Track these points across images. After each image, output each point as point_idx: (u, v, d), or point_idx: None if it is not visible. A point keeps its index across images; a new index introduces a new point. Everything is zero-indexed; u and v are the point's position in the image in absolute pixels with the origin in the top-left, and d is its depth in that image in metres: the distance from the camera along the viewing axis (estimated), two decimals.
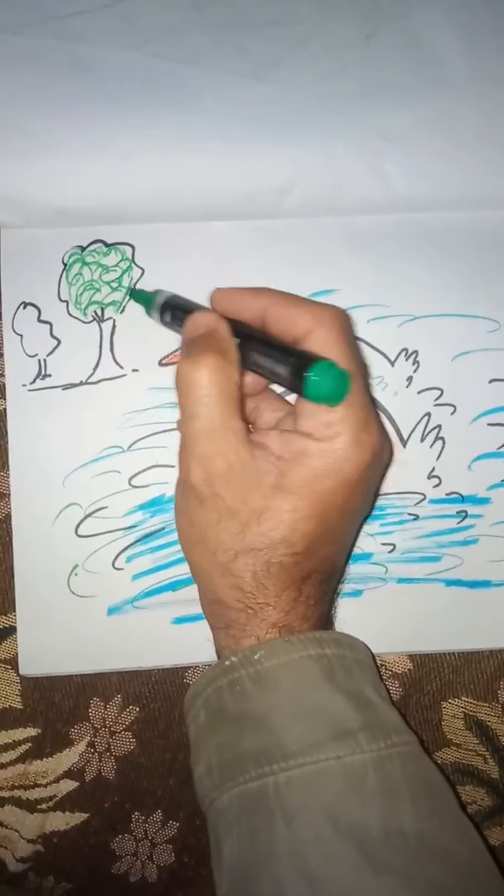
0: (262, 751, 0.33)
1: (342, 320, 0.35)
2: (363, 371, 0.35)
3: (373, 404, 0.36)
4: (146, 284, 0.43)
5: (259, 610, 0.35)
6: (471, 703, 0.43)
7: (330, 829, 0.31)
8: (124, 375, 0.42)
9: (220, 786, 0.34)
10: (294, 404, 0.36)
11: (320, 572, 0.36)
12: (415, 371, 0.43)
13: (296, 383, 0.34)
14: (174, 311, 0.39)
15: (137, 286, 0.43)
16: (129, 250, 0.43)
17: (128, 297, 0.42)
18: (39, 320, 0.43)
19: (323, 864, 0.31)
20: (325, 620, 0.37)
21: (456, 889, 0.31)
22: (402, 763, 0.33)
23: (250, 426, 0.40)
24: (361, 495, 0.36)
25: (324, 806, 0.31)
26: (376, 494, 0.41)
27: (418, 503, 0.42)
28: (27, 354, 0.42)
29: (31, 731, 0.43)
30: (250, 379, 0.38)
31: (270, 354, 0.35)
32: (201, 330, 0.36)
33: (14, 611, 0.42)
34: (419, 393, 0.43)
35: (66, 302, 0.43)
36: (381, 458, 0.36)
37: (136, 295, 0.42)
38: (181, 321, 0.38)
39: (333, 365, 0.33)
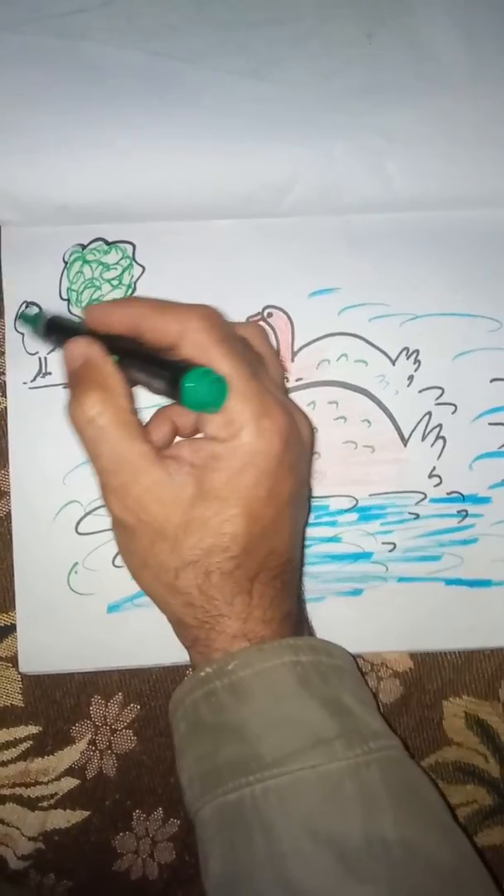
0: (239, 762, 0.32)
1: (210, 318, 0.34)
2: (248, 361, 0.35)
3: (273, 389, 0.35)
4: (147, 282, 0.43)
5: (216, 623, 0.34)
6: (471, 701, 0.43)
7: (308, 839, 0.31)
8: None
9: (200, 797, 0.33)
10: None
11: (268, 569, 0.35)
12: (416, 370, 0.43)
13: (174, 395, 0.33)
14: (57, 332, 0.38)
15: (138, 284, 0.43)
16: (129, 248, 0.43)
17: (132, 285, 0.42)
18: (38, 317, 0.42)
19: (303, 876, 0.30)
20: (294, 621, 0.36)
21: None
22: (381, 769, 0.32)
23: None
24: (286, 481, 0.35)
25: (301, 816, 0.31)
26: (309, 476, 0.40)
27: (419, 502, 0.42)
28: (28, 352, 0.43)
29: (33, 729, 0.43)
30: None
31: (145, 369, 0.34)
32: (78, 362, 0.35)
33: (14, 609, 0.42)
34: (420, 392, 0.43)
35: (67, 300, 0.43)
36: (295, 439, 0.35)
37: (24, 317, 0.42)
38: (62, 344, 0.37)
39: (206, 372, 0.33)
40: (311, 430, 0.38)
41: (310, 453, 0.39)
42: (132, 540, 0.35)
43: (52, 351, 0.42)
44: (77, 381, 0.35)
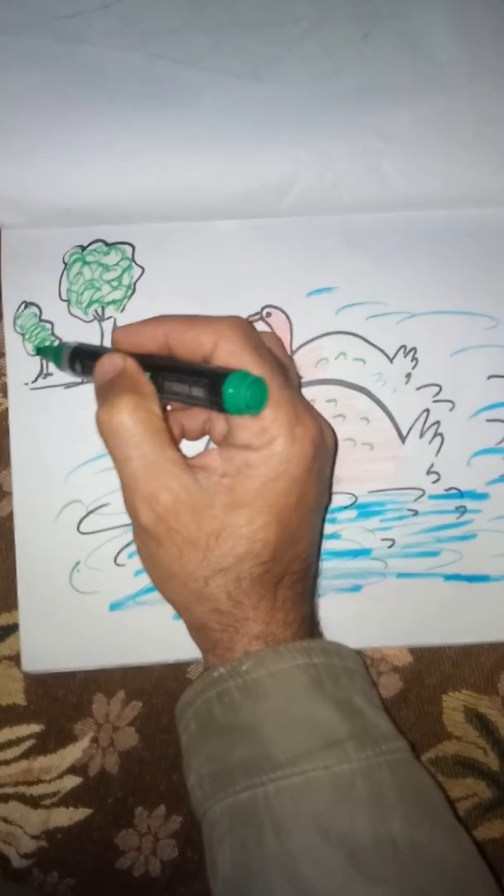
0: (252, 762, 0.33)
1: (243, 328, 0.35)
2: (280, 369, 0.35)
3: (300, 397, 0.36)
4: (147, 283, 0.43)
5: (240, 626, 0.35)
6: (471, 695, 0.44)
7: (320, 839, 0.31)
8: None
9: (211, 797, 0.34)
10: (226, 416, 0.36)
11: (292, 573, 0.36)
12: (413, 368, 0.43)
13: (214, 401, 0.33)
14: (82, 360, 0.38)
15: (137, 285, 0.43)
16: (129, 249, 0.43)
17: (127, 298, 0.43)
18: (41, 319, 0.43)
19: (314, 875, 0.31)
20: (310, 624, 0.37)
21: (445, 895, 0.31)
22: (391, 771, 0.33)
23: (210, 443, 0.40)
24: (314, 489, 0.35)
25: (313, 816, 0.31)
26: (330, 483, 0.40)
27: (417, 499, 0.43)
28: (29, 353, 0.43)
29: (35, 728, 0.43)
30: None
31: (183, 379, 0.34)
32: (111, 373, 0.35)
33: (17, 608, 0.42)
34: (418, 389, 0.43)
35: (67, 301, 0.43)
36: (323, 447, 0.35)
37: (43, 351, 0.42)
38: (90, 369, 0.37)
39: (246, 374, 0.33)
40: (335, 437, 0.39)
41: (333, 460, 0.39)
42: (159, 550, 0.35)
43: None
44: (109, 388, 0.35)
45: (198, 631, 0.36)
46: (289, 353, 0.42)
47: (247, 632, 0.35)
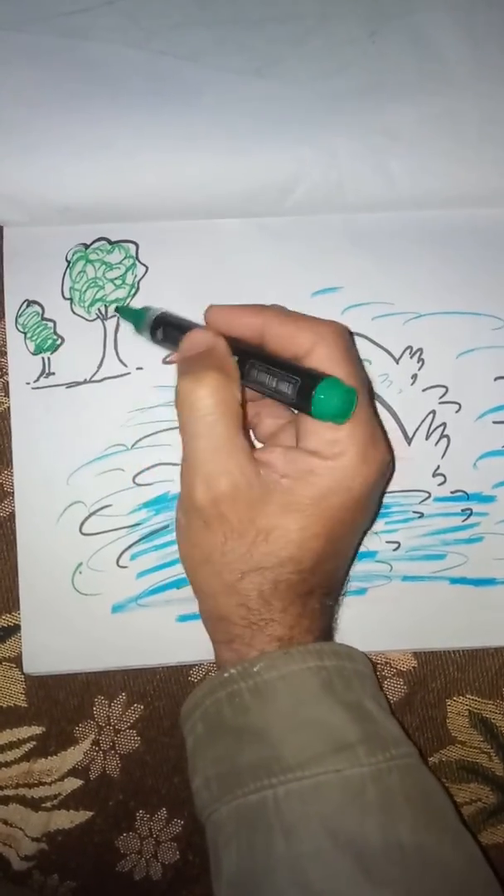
0: (261, 764, 0.33)
1: (344, 336, 0.35)
2: (366, 386, 0.35)
3: (378, 420, 0.36)
4: (150, 282, 0.43)
5: (265, 626, 0.34)
6: (475, 700, 0.43)
7: (329, 842, 0.31)
8: (128, 373, 0.42)
9: (218, 798, 0.33)
10: (296, 417, 0.36)
11: (324, 587, 0.36)
12: (419, 369, 0.43)
13: (302, 402, 0.33)
14: (166, 328, 0.38)
15: (141, 284, 0.43)
16: (132, 248, 0.43)
17: (130, 297, 0.42)
18: (43, 318, 0.42)
19: (322, 878, 0.31)
20: (327, 632, 0.37)
21: None
22: (400, 776, 0.33)
23: (253, 439, 0.40)
24: (368, 511, 0.36)
25: (323, 819, 0.31)
26: (378, 508, 0.41)
27: (423, 501, 0.42)
28: (30, 353, 0.42)
29: (36, 730, 0.43)
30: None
31: (273, 373, 0.34)
32: (200, 347, 0.35)
33: (18, 609, 0.42)
34: (424, 391, 0.43)
35: (70, 300, 0.43)
36: (387, 475, 0.36)
37: (124, 312, 0.42)
38: (173, 339, 0.37)
39: (340, 382, 0.33)
40: (394, 465, 0.39)
41: (386, 488, 0.40)
42: (204, 532, 0.34)
43: (55, 350, 0.42)
44: (195, 361, 0.34)
45: (217, 621, 0.36)
46: None
47: (270, 633, 0.35)
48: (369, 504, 0.35)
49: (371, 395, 0.36)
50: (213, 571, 0.34)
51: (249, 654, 0.34)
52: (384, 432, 0.36)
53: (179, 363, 0.36)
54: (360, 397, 0.33)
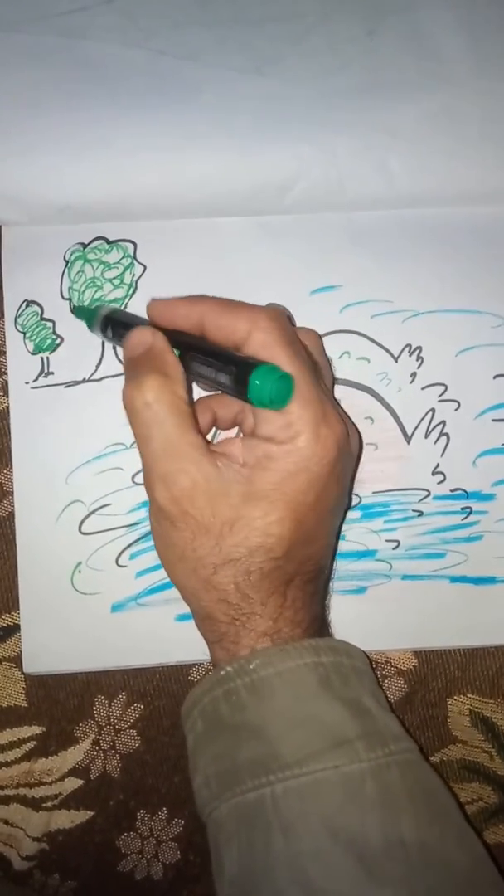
0: (259, 761, 0.32)
1: (279, 320, 0.34)
2: (311, 366, 0.35)
3: (330, 397, 0.35)
4: (149, 281, 0.43)
5: (247, 620, 0.34)
6: (476, 699, 0.43)
7: (329, 840, 0.31)
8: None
9: (217, 797, 0.33)
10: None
11: (304, 573, 0.35)
12: (419, 367, 0.42)
13: (239, 390, 0.33)
14: (114, 326, 0.38)
15: (139, 283, 0.43)
16: (130, 247, 0.43)
17: (129, 296, 0.42)
18: (42, 318, 0.42)
19: (322, 876, 0.30)
20: (319, 624, 0.37)
21: None
22: (401, 772, 0.33)
23: (239, 432, 0.39)
24: (333, 490, 0.35)
25: (322, 817, 0.31)
26: (351, 486, 0.40)
27: (423, 499, 0.42)
28: (29, 352, 0.42)
29: (36, 729, 0.43)
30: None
31: (211, 364, 0.34)
32: (139, 349, 0.35)
33: (18, 609, 0.42)
34: (423, 389, 0.42)
35: (69, 299, 0.43)
36: (347, 450, 0.35)
37: (78, 311, 0.42)
38: (121, 337, 0.37)
39: (274, 368, 0.33)
40: (360, 441, 0.39)
41: (356, 464, 0.39)
42: (173, 531, 0.35)
43: (54, 350, 0.42)
44: (137, 365, 0.35)
45: (204, 620, 0.36)
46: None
47: (254, 627, 0.34)
48: (334, 482, 0.35)
49: (319, 375, 0.36)
50: (189, 568, 0.35)
51: (240, 653, 0.34)
52: (338, 408, 0.36)
53: (124, 366, 0.36)
54: (302, 379, 0.33)
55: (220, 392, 0.39)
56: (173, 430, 0.34)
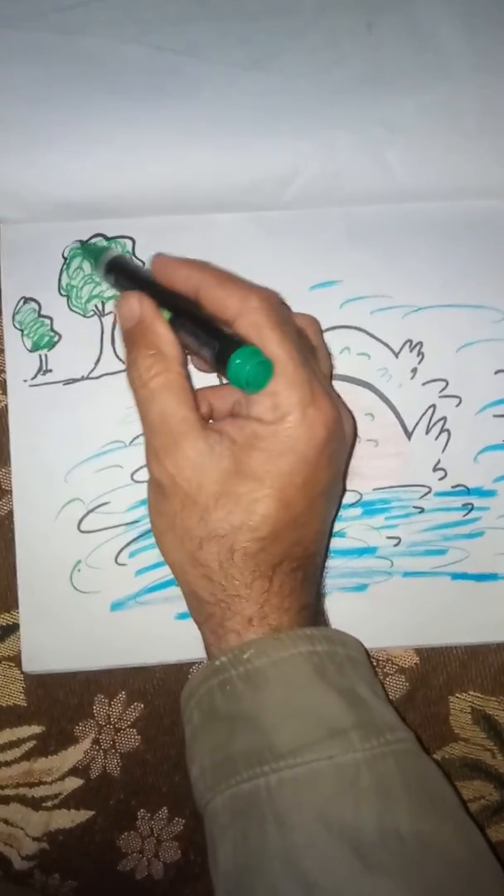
0: (254, 752, 0.32)
1: (269, 301, 0.35)
2: (304, 350, 0.35)
3: (322, 381, 0.35)
4: None
5: (232, 602, 0.34)
6: (478, 696, 0.43)
7: (323, 830, 0.30)
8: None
9: (213, 787, 0.33)
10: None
11: (292, 558, 0.35)
12: (419, 362, 0.42)
13: (219, 367, 0.34)
14: (118, 275, 0.39)
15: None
16: (129, 244, 0.43)
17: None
18: (40, 315, 0.42)
19: (317, 868, 0.30)
20: (311, 613, 0.36)
21: (454, 890, 0.30)
22: (396, 761, 0.32)
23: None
24: (323, 472, 0.35)
25: (316, 807, 0.31)
26: (345, 472, 0.40)
27: (423, 496, 0.42)
28: (28, 350, 0.42)
29: (36, 729, 0.43)
30: None
31: (198, 335, 0.35)
32: (130, 322, 0.36)
33: (17, 607, 0.42)
34: (424, 384, 0.42)
35: (67, 296, 0.42)
36: (338, 433, 0.35)
37: (85, 248, 0.42)
38: (123, 287, 0.38)
39: (256, 352, 0.33)
40: (354, 426, 0.39)
41: (349, 449, 0.39)
42: (164, 501, 0.35)
43: (52, 347, 0.42)
44: (133, 342, 0.36)
45: (191, 598, 0.36)
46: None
47: (239, 611, 0.34)
48: (324, 466, 0.35)
49: (313, 358, 0.36)
50: (176, 539, 0.35)
51: (226, 636, 0.34)
52: (331, 392, 0.36)
53: (122, 337, 0.37)
54: (290, 362, 0.34)
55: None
56: (166, 406, 0.35)
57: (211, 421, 0.39)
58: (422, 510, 0.42)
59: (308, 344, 0.36)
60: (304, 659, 0.33)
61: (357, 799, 0.31)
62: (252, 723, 0.33)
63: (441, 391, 0.42)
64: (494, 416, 0.42)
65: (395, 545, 0.42)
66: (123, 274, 0.39)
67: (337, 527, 0.42)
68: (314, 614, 0.36)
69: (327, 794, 0.31)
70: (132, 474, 0.42)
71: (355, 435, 0.40)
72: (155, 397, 0.35)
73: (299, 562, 0.35)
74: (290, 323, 0.35)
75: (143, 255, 0.42)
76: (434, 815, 0.32)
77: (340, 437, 0.36)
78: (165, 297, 0.36)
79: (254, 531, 0.34)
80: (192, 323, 0.35)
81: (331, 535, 0.40)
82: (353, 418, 0.38)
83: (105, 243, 0.42)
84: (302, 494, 0.34)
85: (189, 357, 0.38)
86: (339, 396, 0.37)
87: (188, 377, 0.36)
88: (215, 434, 0.35)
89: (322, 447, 0.34)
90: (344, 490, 0.41)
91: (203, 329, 0.35)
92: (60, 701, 0.43)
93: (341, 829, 0.30)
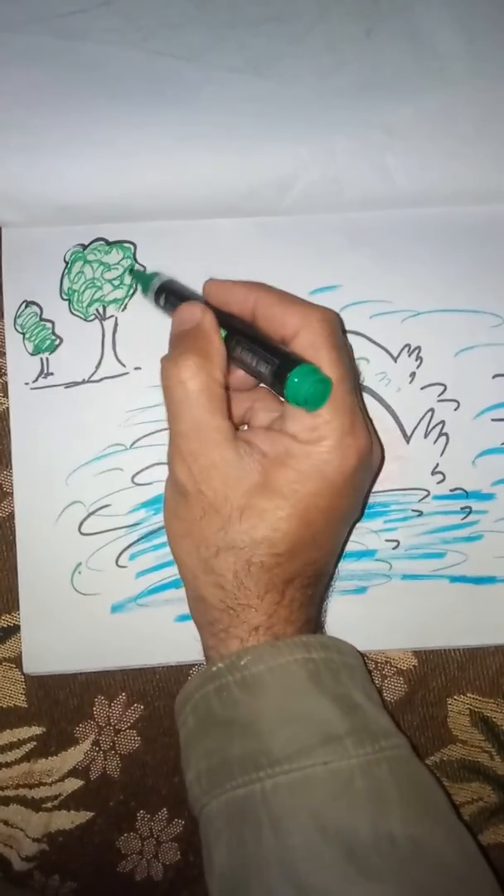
0: (249, 757, 0.32)
1: (331, 323, 0.35)
2: (351, 375, 0.35)
3: (361, 408, 0.36)
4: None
5: (241, 611, 0.34)
6: (476, 699, 0.43)
7: (318, 836, 0.31)
8: (126, 373, 0.42)
9: (208, 792, 0.33)
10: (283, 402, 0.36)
11: (304, 576, 0.35)
12: (418, 367, 0.42)
13: (277, 384, 0.34)
14: (168, 296, 0.39)
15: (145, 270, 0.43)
16: (130, 248, 0.43)
17: (132, 285, 0.43)
18: (41, 319, 0.43)
19: (312, 872, 0.30)
20: (313, 624, 0.37)
21: (446, 894, 0.31)
22: (390, 767, 0.33)
23: (245, 425, 0.40)
24: (347, 500, 0.35)
25: (311, 812, 0.31)
26: (366, 499, 0.40)
27: (422, 499, 0.42)
28: (29, 353, 0.42)
29: (36, 730, 0.43)
30: (242, 374, 0.38)
31: (255, 352, 0.35)
32: (187, 325, 0.36)
33: (18, 609, 0.42)
34: (422, 389, 0.42)
35: (68, 300, 0.43)
36: (368, 464, 0.36)
37: (135, 275, 0.42)
38: (173, 307, 0.38)
39: (316, 370, 0.33)
40: (382, 455, 0.39)
41: (373, 480, 0.39)
42: (184, 505, 0.35)
43: (54, 351, 0.42)
44: (180, 342, 0.36)
45: (197, 601, 0.36)
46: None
47: (247, 619, 0.34)
48: (349, 493, 0.35)
49: (358, 386, 0.36)
50: (192, 545, 0.35)
51: (230, 641, 0.35)
52: (368, 423, 0.36)
53: (169, 339, 0.37)
54: (340, 386, 0.34)
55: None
56: (201, 412, 0.34)
57: (243, 428, 0.39)
58: (420, 513, 0.42)
59: (355, 369, 0.36)
60: (300, 666, 0.34)
61: (351, 804, 0.31)
62: (248, 728, 0.33)
63: (439, 395, 0.42)
64: (493, 419, 0.42)
65: (394, 548, 0.42)
66: (176, 296, 0.38)
67: None
68: (315, 627, 0.37)
69: (322, 799, 0.31)
70: (133, 477, 0.42)
71: (381, 464, 0.40)
72: (191, 399, 0.34)
73: (310, 579, 0.36)
74: (345, 347, 0.35)
75: (144, 259, 0.43)
76: (427, 820, 0.32)
77: (369, 466, 0.36)
78: (220, 316, 0.36)
79: (273, 546, 0.34)
80: (251, 340, 0.35)
81: (341, 555, 0.41)
82: (382, 450, 0.38)
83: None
84: (323, 517, 0.35)
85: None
86: (371, 423, 0.37)
87: (226, 387, 0.35)
88: (245, 445, 0.35)
89: (350, 476, 0.34)
90: (361, 515, 0.41)
91: (261, 345, 0.35)
92: (61, 702, 0.43)
93: (335, 834, 0.31)
